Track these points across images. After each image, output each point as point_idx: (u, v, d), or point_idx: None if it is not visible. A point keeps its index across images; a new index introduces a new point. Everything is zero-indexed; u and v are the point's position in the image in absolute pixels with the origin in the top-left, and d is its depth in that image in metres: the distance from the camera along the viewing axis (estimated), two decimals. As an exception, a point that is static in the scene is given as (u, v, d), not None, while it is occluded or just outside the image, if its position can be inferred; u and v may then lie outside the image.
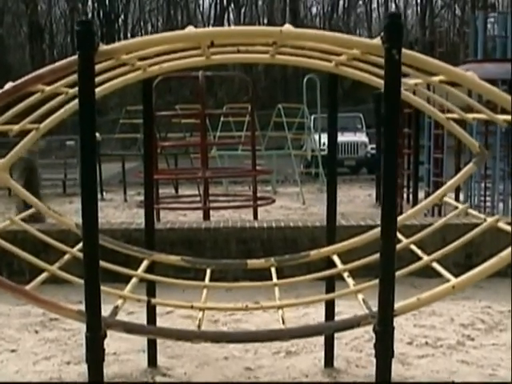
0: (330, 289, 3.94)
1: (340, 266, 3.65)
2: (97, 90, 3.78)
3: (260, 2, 42.46)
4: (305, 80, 16.07)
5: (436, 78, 3.05)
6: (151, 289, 3.94)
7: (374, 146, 19.64)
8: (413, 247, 3.40)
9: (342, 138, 19.81)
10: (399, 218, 3.96)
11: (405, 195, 12.27)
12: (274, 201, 10.63)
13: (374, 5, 41.76)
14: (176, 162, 15.80)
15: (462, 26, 36.86)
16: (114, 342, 5.02)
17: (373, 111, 27.76)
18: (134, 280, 3.53)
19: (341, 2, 41.21)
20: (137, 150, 19.90)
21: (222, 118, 17.96)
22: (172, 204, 11.90)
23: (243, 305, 3.12)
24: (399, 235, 3.66)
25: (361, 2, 41.53)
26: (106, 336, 2.70)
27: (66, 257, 3.54)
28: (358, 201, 13.90)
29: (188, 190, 14.62)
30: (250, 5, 42.65)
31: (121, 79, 3.78)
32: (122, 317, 5.58)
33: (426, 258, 3.25)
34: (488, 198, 9.91)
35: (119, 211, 13.18)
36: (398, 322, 5.43)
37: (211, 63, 3.72)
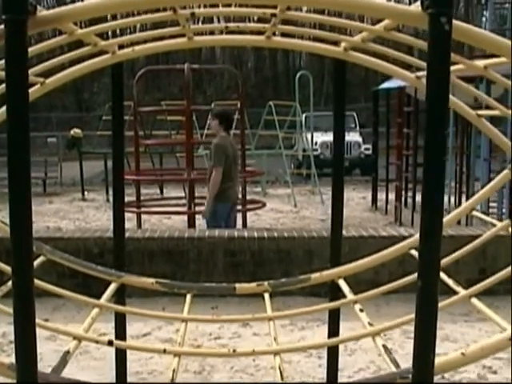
0: (335, 321, 3.27)
1: (349, 295, 2.97)
2: (57, 76, 3.11)
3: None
4: (297, 76, 15.39)
5: (480, 63, 2.38)
6: (119, 321, 3.25)
7: (367, 146, 19.01)
8: (444, 277, 2.72)
9: (335, 137, 19.18)
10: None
11: (402, 199, 11.62)
12: (264, 205, 9.95)
13: None
14: (161, 162, 15.10)
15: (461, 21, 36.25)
16: (78, 371, 4.36)
17: (364, 110, 27.27)
18: (94, 311, 2.84)
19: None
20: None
21: (210, 116, 17.23)
22: (155, 207, 11.19)
23: (229, 349, 2.44)
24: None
25: None
26: (45, 400, 2.00)
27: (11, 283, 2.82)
28: (353, 204, 13.23)
29: (174, 191, 13.94)
30: None
31: (84, 64, 3.08)
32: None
33: (462, 292, 2.58)
34: (493, 204, 9.29)
35: (100, 212, 12.48)
36: (406, 348, 4.81)
37: (195, 46, 3.04)
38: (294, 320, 5.18)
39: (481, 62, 2.37)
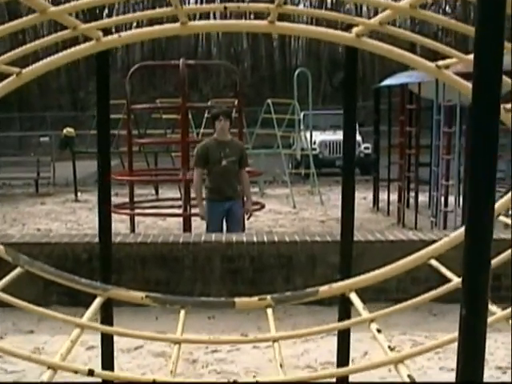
0: (345, 340, 2.92)
1: (364, 312, 2.62)
2: (35, 66, 2.77)
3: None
4: (296, 74, 15.03)
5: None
6: (106, 339, 2.91)
7: (366, 145, 18.69)
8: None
9: (334, 136, 18.89)
10: (441, 243, 2.96)
11: (405, 199, 11.28)
12: (263, 206, 9.59)
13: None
14: (156, 161, 14.74)
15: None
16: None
17: (362, 109, 26.89)
18: (75, 332, 2.48)
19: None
20: (114, 147, 18.81)
21: (206, 114, 16.87)
22: (149, 209, 10.84)
23: (228, 380, 2.10)
24: (447, 272, 2.65)
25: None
26: None
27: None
28: (353, 204, 12.90)
29: (170, 191, 13.59)
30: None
31: (64, 53, 2.73)
32: (80, 353, 4.59)
33: (499, 312, 2.23)
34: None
35: (93, 214, 12.10)
36: (418, 363, 4.46)
37: (189, 32, 2.69)
38: (296, 329, 4.83)
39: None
